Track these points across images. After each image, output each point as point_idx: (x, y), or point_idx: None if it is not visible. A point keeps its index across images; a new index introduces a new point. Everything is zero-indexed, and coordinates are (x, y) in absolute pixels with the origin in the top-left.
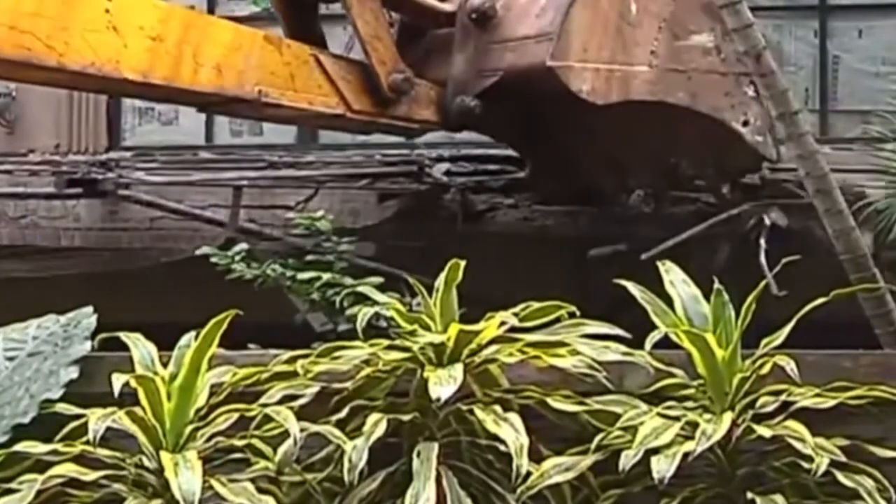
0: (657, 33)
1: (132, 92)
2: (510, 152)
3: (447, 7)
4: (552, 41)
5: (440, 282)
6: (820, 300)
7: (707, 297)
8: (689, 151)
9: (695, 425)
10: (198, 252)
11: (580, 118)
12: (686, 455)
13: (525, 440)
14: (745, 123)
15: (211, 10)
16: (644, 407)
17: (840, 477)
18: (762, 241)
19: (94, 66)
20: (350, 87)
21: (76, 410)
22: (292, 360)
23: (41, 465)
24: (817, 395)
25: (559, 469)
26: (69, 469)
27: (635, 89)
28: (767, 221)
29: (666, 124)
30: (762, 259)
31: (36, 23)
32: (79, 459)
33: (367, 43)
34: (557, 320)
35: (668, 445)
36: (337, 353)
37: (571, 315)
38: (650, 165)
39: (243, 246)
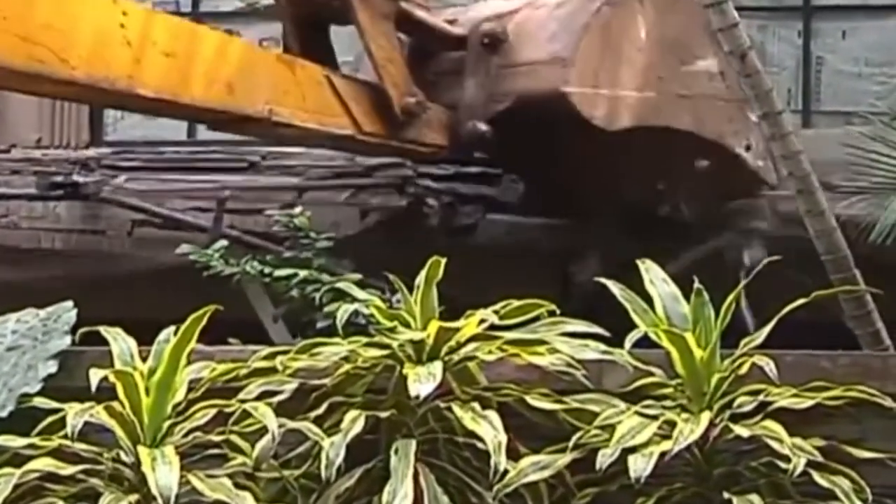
0: (664, 58)
1: (143, 107)
2: None
3: (458, 31)
4: (564, 66)
5: (420, 279)
6: (800, 301)
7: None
8: (692, 176)
9: (672, 424)
10: (178, 251)
11: (588, 143)
12: (663, 454)
13: (503, 438)
14: (748, 148)
15: (195, 6)
16: (622, 406)
17: (817, 477)
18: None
19: (107, 81)
20: (361, 108)
21: (54, 405)
22: (271, 357)
23: (19, 460)
24: (795, 396)
25: (536, 467)
26: (47, 463)
27: (643, 115)
28: (747, 261)
29: (670, 149)
30: (743, 304)
31: (49, 35)
32: (56, 454)
33: (379, 66)
34: (537, 318)
35: (646, 444)
36: (316, 350)
37: (551, 313)
38: (654, 189)
39: (223, 242)
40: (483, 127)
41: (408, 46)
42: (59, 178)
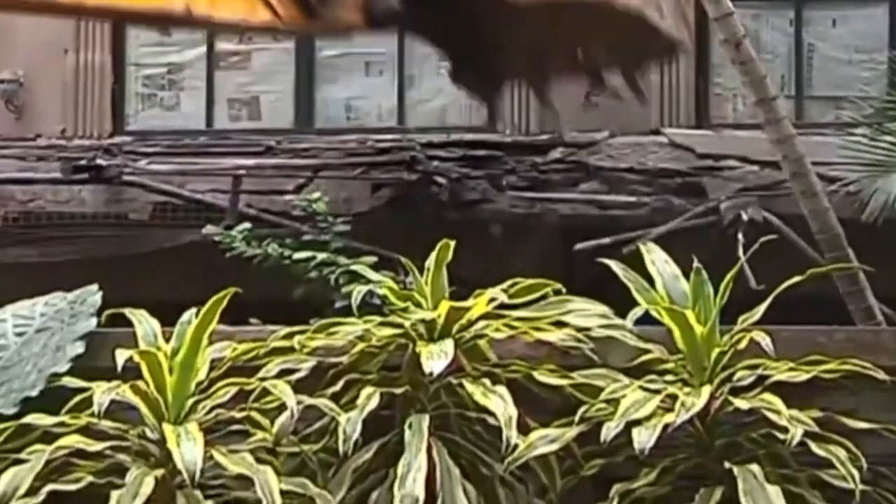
0: None
1: (59, 10)
2: (499, 138)
3: None
4: None
5: (431, 261)
6: (796, 278)
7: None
8: (606, 44)
9: (674, 398)
10: (203, 231)
11: (500, 14)
12: (666, 426)
13: (513, 412)
14: (660, 15)
15: None
16: (626, 380)
17: (814, 447)
18: (740, 236)
19: None
20: None
21: (82, 384)
22: (290, 336)
23: (49, 437)
24: (792, 369)
25: (545, 440)
26: (75, 440)
27: None
28: (745, 217)
29: (583, 19)
30: (740, 253)
31: None
32: (84, 431)
33: None
34: (544, 297)
35: (649, 417)
36: (332, 329)
37: (557, 292)
38: (568, 58)
39: (247, 225)
40: (394, 2)
41: None
42: (82, 163)
